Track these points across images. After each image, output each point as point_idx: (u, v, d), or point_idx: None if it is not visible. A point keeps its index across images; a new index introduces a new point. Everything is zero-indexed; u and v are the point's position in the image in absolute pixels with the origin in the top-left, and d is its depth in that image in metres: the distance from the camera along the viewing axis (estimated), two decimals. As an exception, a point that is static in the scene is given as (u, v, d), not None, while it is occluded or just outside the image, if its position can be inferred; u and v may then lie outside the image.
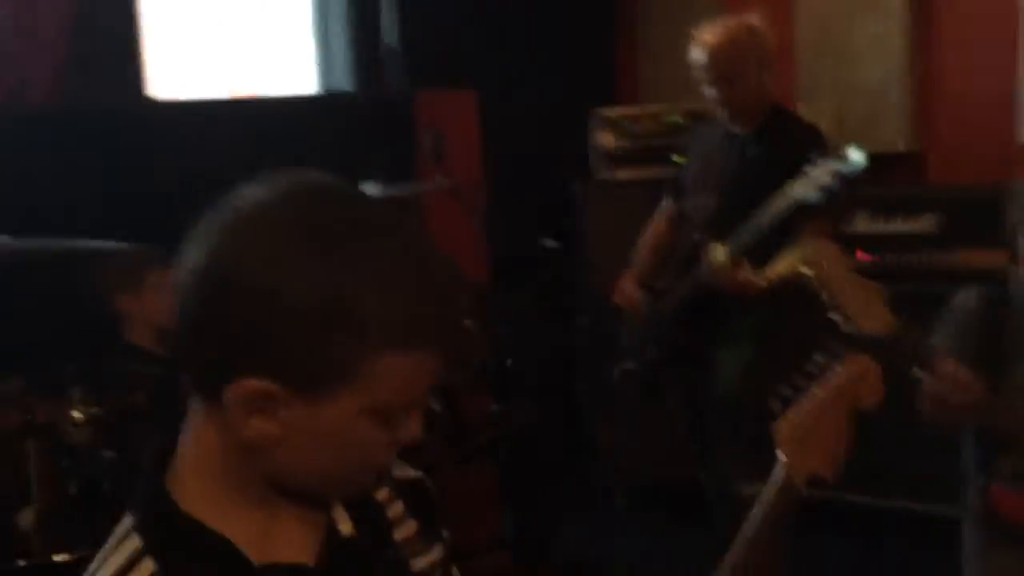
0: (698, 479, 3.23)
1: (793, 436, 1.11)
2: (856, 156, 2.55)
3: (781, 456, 1.11)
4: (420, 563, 1.04)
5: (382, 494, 1.05)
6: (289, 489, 0.93)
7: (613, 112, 4.12)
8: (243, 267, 0.84)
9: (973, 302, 2.12)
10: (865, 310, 1.68)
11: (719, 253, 2.83)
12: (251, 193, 0.88)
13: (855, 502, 3.51)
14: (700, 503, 3.23)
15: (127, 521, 0.93)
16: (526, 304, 2.95)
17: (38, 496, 1.86)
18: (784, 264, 2.68)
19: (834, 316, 1.80)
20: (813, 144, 2.82)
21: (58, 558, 1.81)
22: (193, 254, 0.87)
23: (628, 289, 3.18)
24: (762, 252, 2.72)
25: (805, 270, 1.90)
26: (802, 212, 2.69)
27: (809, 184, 2.62)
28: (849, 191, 2.69)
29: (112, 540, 0.92)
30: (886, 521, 3.54)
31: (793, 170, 2.71)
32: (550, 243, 3.87)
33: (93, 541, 1.86)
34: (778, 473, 1.11)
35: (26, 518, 1.82)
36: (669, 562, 3.45)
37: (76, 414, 1.85)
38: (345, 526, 0.98)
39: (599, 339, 3.96)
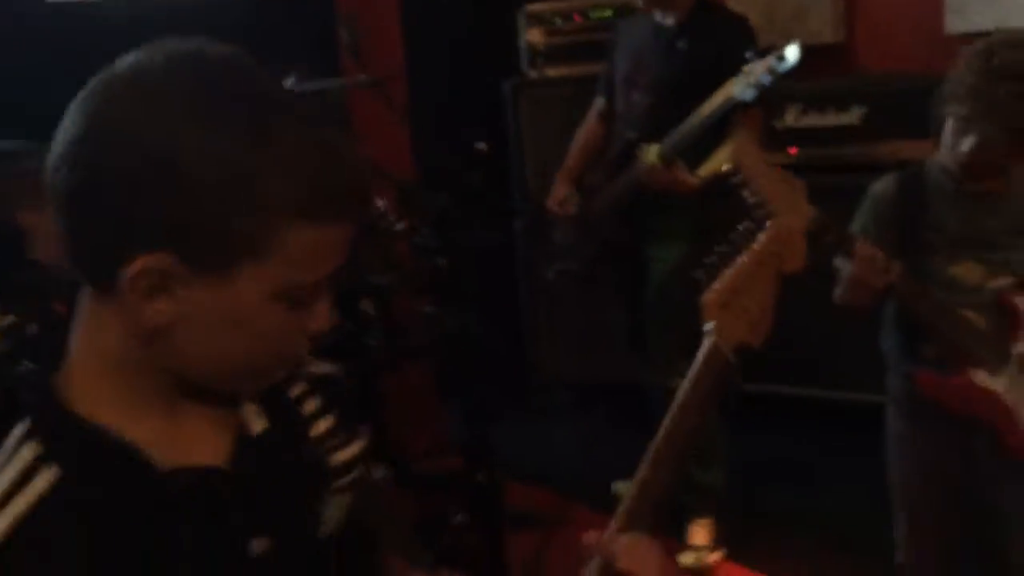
0: (636, 377, 3.27)
1: (719, 304, 1.11)
2: (792, 53, 2.53)
3: (708, 325, 1.11)
4: (339, 458, 1.01)
5: (296, 390, 1.01)
6: (194, 382, 0.88)
7: (540, 7, 4.01)
8: (130, 133, 0.78)
9: (891, 189, 2.14)
10: (787, 205, 1.69)
11: (652, 153, 2.82)
12: (133, 59, 0.82)
13: (781, 393, 3.60)
14: (638, 401, 3.28)
15: (19, 429, 0.86)
16: (457, 205, 2.91)
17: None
18: (715, 162, 2.68)
19: (756, 212, 1.81)
20: (741, 36, 2.80)
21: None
22: (70, 125, 0.80)
23: (560, 194, 3.15)
24: (697, 150, 2.72)
25: (726, 168, 1.91)
26: (736, 109, 2.68)
27: (746, 82, 2.61)
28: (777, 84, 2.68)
29: (3, 451, 0.86)
30: (811, 410, 3.64)
31: (723, 64, 2.68)
32: (480, 144, 3.81)
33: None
34: (706, 343, 1.11)
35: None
36: (608, 461, 3.50)
37: (-11, 324, 1.78)
38: (257, 424, 0.94)
39: (535, 240, 3.95)
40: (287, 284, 0.83)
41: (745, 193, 1.86)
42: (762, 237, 1.16)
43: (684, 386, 1.10)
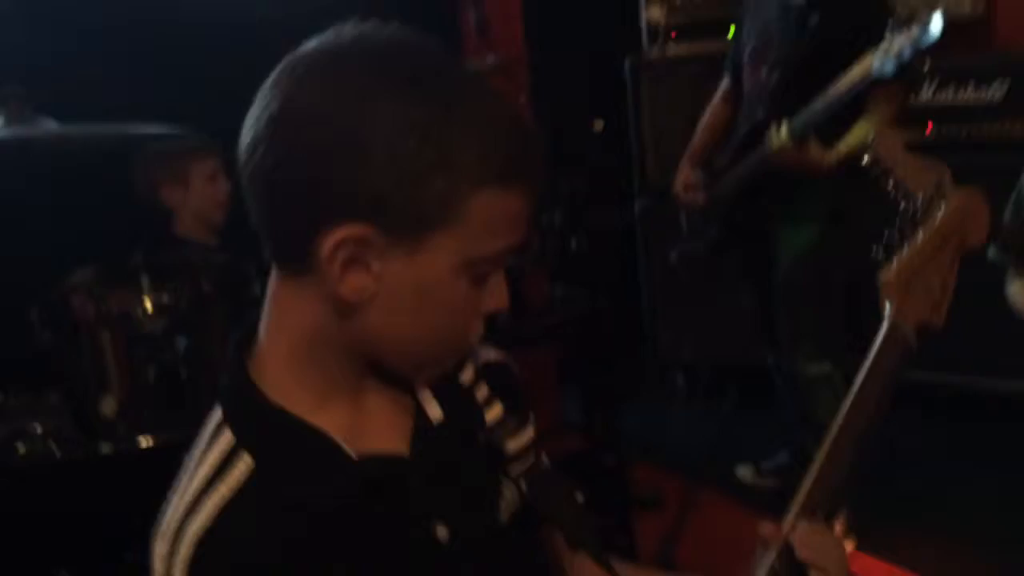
0: (760, 361, 3.20)
1: (899, 284, 1.06)
2: (936, 24, 2.40)
3: (888, 306, 1.06)
4: (512, 446, 1.00)
5: (467, 376, 1.02)
6: (381, 364, 0.90)
7: (663, -17, 3.95)
8: (325, 109, 0.80)
9: None
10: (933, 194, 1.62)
11: (783, 133, 2.73)
12: (319, 42, 0.85)
13: (916, 379, 3.47)
14: (762, 385, 3.20)
15: (217, 416, 0.90)
16: (579, 187, 2.88)
17: (117, 384, 1.88)
18: (851, 140, 2.58)
19: (902, 203, 1.74)
20: (878, 8, 2.68)
21: (143, 443, 1.84)
22: (262, 108, 0.83)
23: (686, 178, 3.09)
24: (831, 128, 2.62)
25: (865, 160, 1.83)
26: (876, 85, 2.57)
27: (887, 56, 2.49)
28: (923, 60, 2.56)
29: (204, 436, 0.90)
30: (947, 398, 3.51)
31: (858, 40, 2.57)
32: (599, 124, 3.78)
33: (173, 426, 1.89)
34: (886, 325, 1.05)
35: (108, 405, 1.84)
36: (733, 444, 3.45)
37: (147, 302, 1.85)
38: (434, 411, 0.95)
39: (655, 221, 3.90)
40: (472, 255, 0.84)
41: (887, 185, 1.79)
42: (944, 210, 1.09)
43: (862, 372, 1.06)
